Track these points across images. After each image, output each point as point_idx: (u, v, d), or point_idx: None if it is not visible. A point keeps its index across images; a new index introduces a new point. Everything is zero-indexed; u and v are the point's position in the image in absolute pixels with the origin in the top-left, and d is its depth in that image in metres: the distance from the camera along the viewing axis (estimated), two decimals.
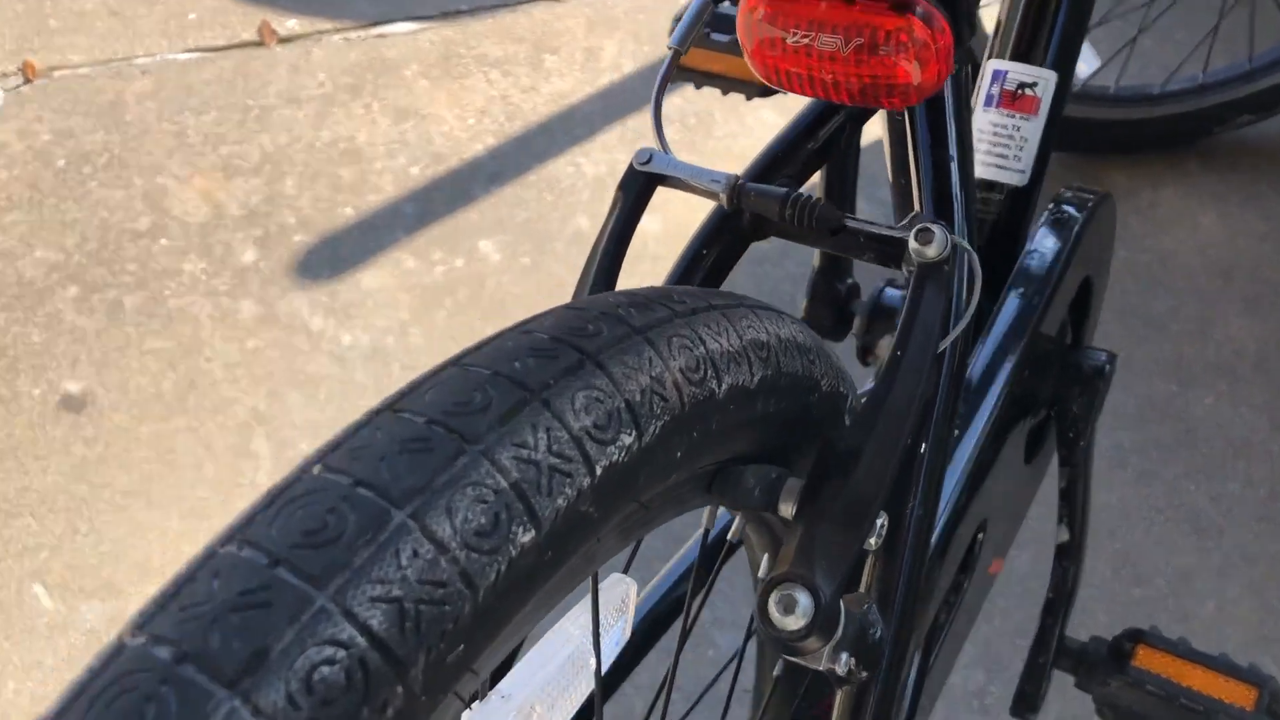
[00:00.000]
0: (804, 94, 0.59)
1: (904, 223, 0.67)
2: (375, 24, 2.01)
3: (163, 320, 1.56)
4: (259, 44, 1.97)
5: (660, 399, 0.44)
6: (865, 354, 0.96)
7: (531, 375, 0.41)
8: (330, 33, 1.99)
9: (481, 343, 0.44)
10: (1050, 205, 0.87)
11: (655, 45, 1.95)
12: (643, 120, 1.82)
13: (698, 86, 1.15)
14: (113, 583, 1.32)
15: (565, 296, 1.64)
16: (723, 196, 0.63)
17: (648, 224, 1.75)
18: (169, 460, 1.42)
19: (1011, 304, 0.81)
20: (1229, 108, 1.68)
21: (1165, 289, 1.56)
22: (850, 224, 0.61)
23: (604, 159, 1.77)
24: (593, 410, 0.41)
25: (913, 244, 0.57)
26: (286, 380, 1.50)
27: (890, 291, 1.02)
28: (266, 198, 1.72)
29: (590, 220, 1.68)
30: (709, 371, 0.47)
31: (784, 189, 0.62)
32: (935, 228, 0.57)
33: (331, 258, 1.64)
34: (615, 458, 0.42)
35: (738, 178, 0.63)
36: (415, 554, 0.35)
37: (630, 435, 0.42)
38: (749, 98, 1.11)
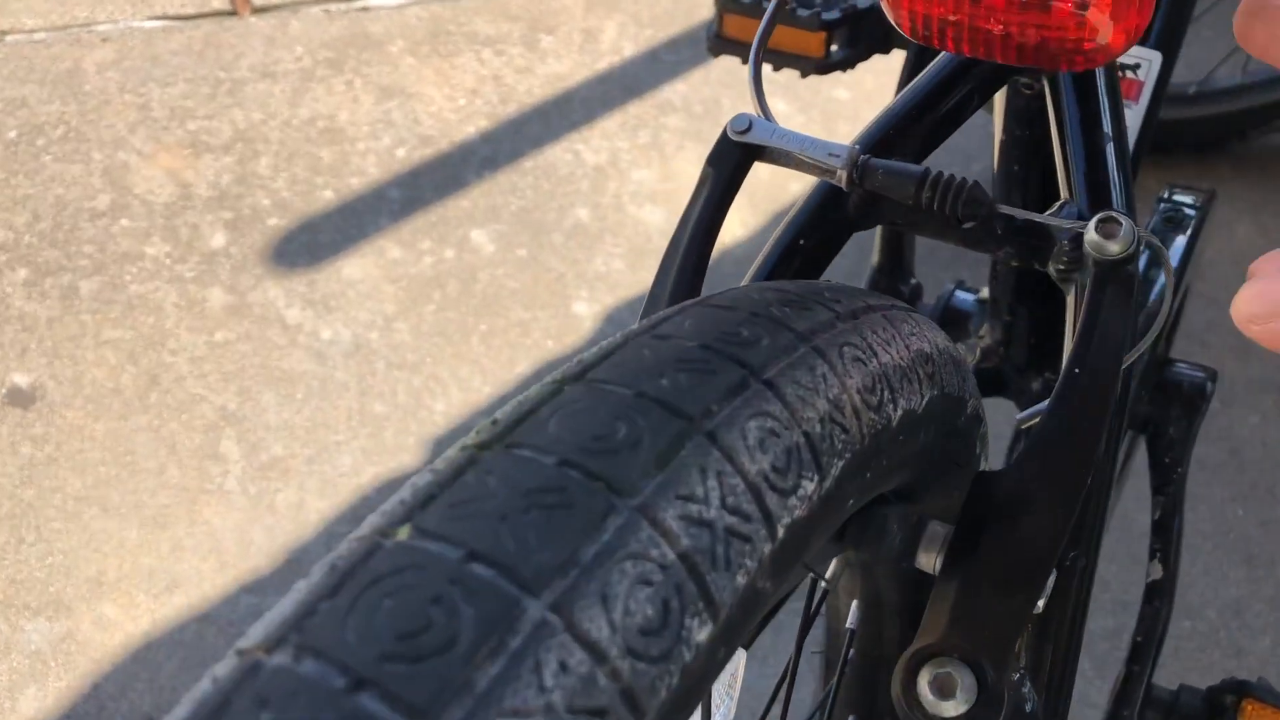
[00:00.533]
0: (955, 50, 0.48)
1: (1054, 210, 0.56)
2: None
3: (122, 308, 1.42)
4: (232, 13, 1.83)
5: (840, 429, 0.33)
6: None
7: (687, 397, 0.30)
8: (309, 4, 1.85)
9: (603, 351, 0.33)
10: (1161, 203, 0.76)
11: (657, 28, 1.84)
12: (645, 106, 1.71)
13: (744, 61, 1.04)
14: (61, 599, 1.18)
15: (565, 292, 1.53)
16: (841, 174, 0.51)
17: (645, 214, 1.63)
18: (127, 463, 1.28)
19: None
20: (1267, 111, 1.60)
21: (1204, 300, 1.47)
22: (1005, 210, 0.49)
23: (604, 146, 1.65)
24: (769, 447, 0.30)
25: (1093, 237, 0.46)
26: (259, 377, 1.36)
27: (961, 295, 0.91)
28: (238, 178, 1.58)
29: (591, 211, 1.56)
30: (885, 393, 0.36)
31: (922, 167, 0.50)
32: (1122, 218, 0.46)
33: (310, 244, 1.51)
34: (797, 512, 0.30)
35: (859, 150, 0.51)
36: (564, 667, 0.23)
37: (811, 480, 0.31)
38: (804, 74, 1.00)
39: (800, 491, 0.30)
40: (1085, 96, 0.56)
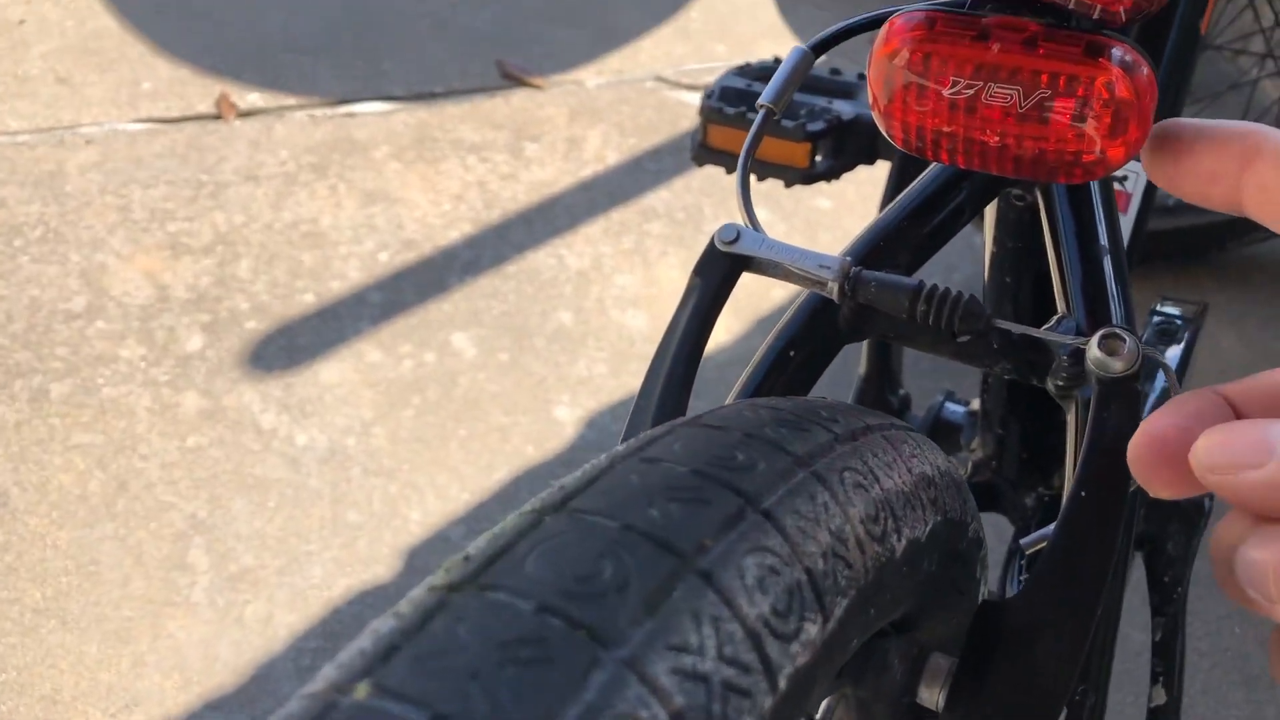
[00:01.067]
0: (950, 162, 0.47)
1: (1051, 325, 0.54)
2: (343, 102, 1.89)
3: (93, 412, 1.39)
4: (216, 117, 1.84)
5: (844, 564, 0.31)
6: None
7: (678, 530, 0.27)
8: (294, 109, 1.86)
9: (587, 476, 0.30)
10: (1154, 316, 0.75)
11: (640, 137, 1.85)
12: (629, 213, 1.71)
13: (729, 171, 1.03)
14: None
15: (547, 396, 1.50)
16: (833, 286, 0.50)
17: (629, 319, 1.62)
18: (90, 573, 1.24)
19: None
20: (1245, 223, 1.61)
21: None
22: (1002, 325, 0.48)
23: (588, 251, 1.65)
24: (769, 587, 0.27)
25: (1095, 354, 0.44)
26: (231, 484, 1.33)
27: (951, 407, 0.90)
28: (217, 280, 1.57)
29: (573, 315, 1.55)
30: (889, 522, 0.34)
31: (916, 280, 0.49)
32: (1126, 335, 0.44)
33: (288, 348, 1.49)
34: (800, 659, 0.28)
35: (851, 262, 0.50)
36: None
37: (815, 622, 0.29)
38: (788, 184, 1.00)
39: (803, 636, 0.28)
40: (1080, 208, 0.55)
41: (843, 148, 0.95)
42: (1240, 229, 1.61)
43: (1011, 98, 0.44)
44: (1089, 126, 0.43)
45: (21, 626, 1.19)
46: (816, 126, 0.93)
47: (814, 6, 2.19)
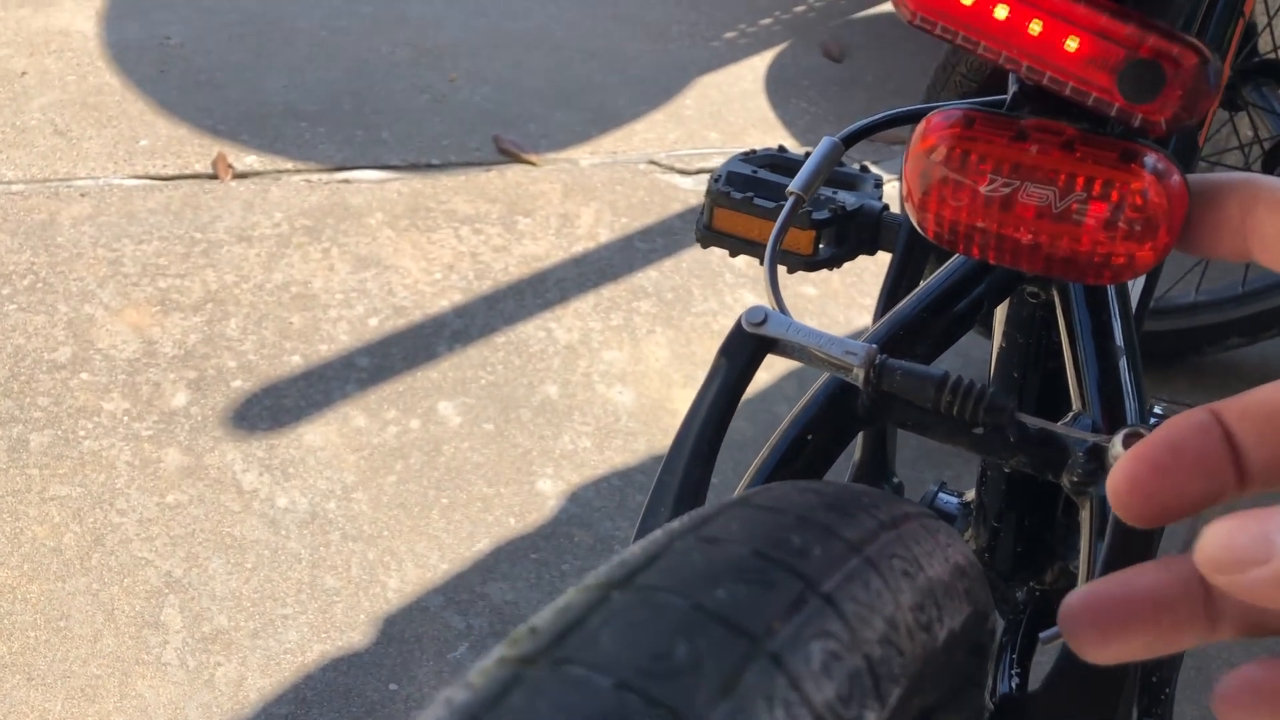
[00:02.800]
0: (982, 257, 0.48)
1: (1068, 421, 0.55)
2: (340, 168, 1.90)
3: (72, 464, 1.38)
4: (212, 177, 1.85)
5: (896, 652, 0.31)
6: None
7: (747, 612, 0.28)
8: (291, 173, 1.88)
9: (649, 554, 0.31)
10: (1152, 419, 0.77)
11: (632, 217, 1.87)
12: (618, 290, 1.73)
13: (732, 254, 1.05)
14: None
15: (530, 468, 1.50)
16: (858, 372, 0.51)
17: (615, 394, 1.62)
18: (60, 628, 1.21)
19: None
20: (1221, 329, 1.64)
21: None
22: (1024, 419, 0.49)
23: (577, 326, 1.66)
24: (834, 672, 0.28)
25: (1118, 451, 0.45)
26: (209, 543, 1.31)
27: (945, 497, 0.90)
28: (205, 338, 1.56)
29: (560, 389, 1.55)
30: (933, 611, 0.34)
31: (942, 370, 0.50)
32: (1148, 433, 0.45)
33: (273, 408, 1.48)
34: None
35: (877, 350, 0.51)
36: None
37: (874, 710, 0.29)
38: (791, 270, 1.01)
39: None
40: (1097, 308, 0.56)
41: (846, 237, 0.97)
42: (1217, 335, 1.65)
43: (1047, 198, 0.45)
44: (1121, 230, 0.45)
45: None
46: (822, 215, 0.94)
47: (805, 101, 2.24)
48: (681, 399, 1.56)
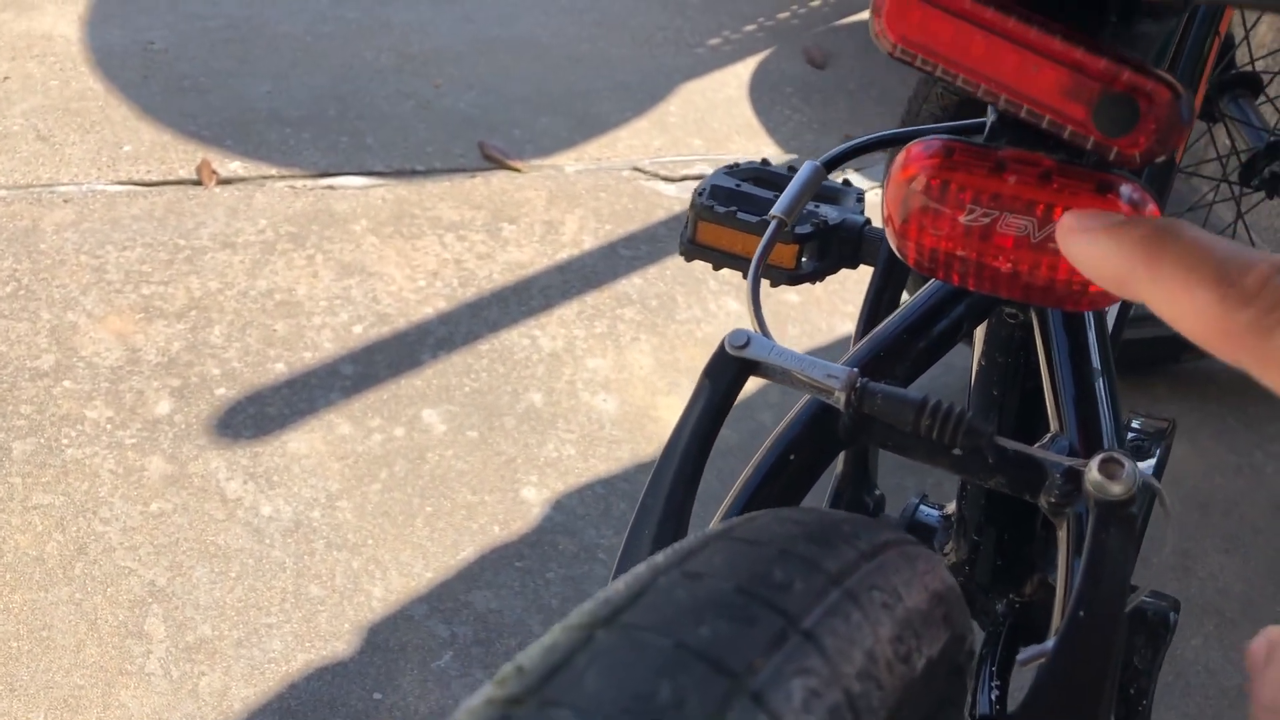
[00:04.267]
0: (961, 284, 0.49)
1: (1045, 442, 0.56)
2: (325, 175, 1.90)
3: (55, 472, 1.37)
4: (197, 183, 1.84)
5: (876, 686, 0.32)
6: None
7: (729, 650, 0.28)
8: (275, 179, 1.88)
9: (632, 590, 0.31)
10: (1128, 433, 0.78)
11: (616, 224, 1.88)
12: (602, 297, 1.74)
13: (716, 268, 1.06)
14: None
15: (514, 476, 1.50)
16: (839, 395, 0.52)
17: (599, 402, 1.62)
18: (42, 638, 1.21)
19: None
20: None
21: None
22: (1003, 443, 0.50)
23: (561, 334, 1.66)
24: (814, 708, 0.28)
25: (1095, 477, 0.46)
26: (193, 552, 1.31)
27: (926, 510, 0.91)
28: (189, 345, 1.56)
29: (544, 396, 1.56)
30: (912, 641, 0.35)
31: (922, 395, 0.51)
32: (1125, 460, 0.46)
33: (257, 416, 1.48)
34: None
35: (858, 374, 0.52)
36: None
37: None
38: (774, 284, 1.02)
39: None
40: (1075, 331, 0.57)
41: (828, 251, 0.98)
42: (1196, 344, 1.66)
43: (1025, 228, 0.46)
44: None
45: None
46: (804, 230, 0.95)
47: (788, 108, 2.25)
48: (665, 406, 1.57)
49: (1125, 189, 0.45)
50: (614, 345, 1.66)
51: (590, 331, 1.67)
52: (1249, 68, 1.45)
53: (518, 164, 1.98)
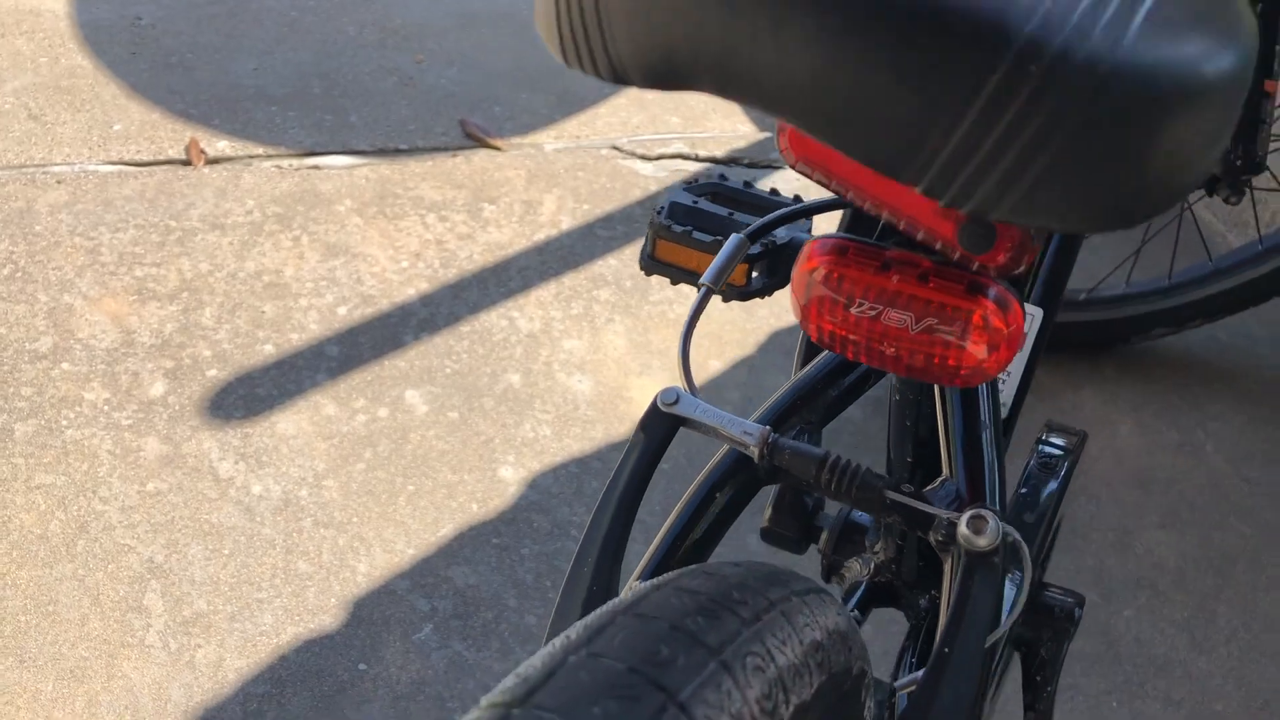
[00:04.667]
0: (856, 359, 0.56)
1: (935, 486, 0.64)
2: (310, 154, 1.96)
3: (56, 453, 1.45)
4: (186, 163, 1.90)
5: None
6: (831, 572, 0.93)
7: None
8: (262, 158, 1.93)
9: (547, 668, 0.39)
10: (1040, 445, 0.86)
11: (594, 204, 1.94)
12: (579, 279, 1.80)
13: (674, 283, 1.13)
14: None
15: (493, 456, 1.58)
16: (753, 449, 0.59)
17: (574, 383, 1.70)
18: (49, 612, 1.30)
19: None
20: (1147, 319, 1.74)
21: (1086, 496, 1.58)
22: (892, 497, 0.58)
23: (538, 315, 1.73)
24: None
25: (964, 531, 0.54)
26: (188, 529, 1.39)
27: (859, 512, 0.99)
28: (181, 327, 1.63)
29: (522, 377, 1.63)
30: (780, 696, 0.43)
31: (823, 451, 0.59)
32: (989, 516, 0.54)
33: (247, 397, 1.56)
34: None
35: (770, 430, 0.59)
36: None
37: None
38: (725, 300, 1.10)
39: None
40: (968, 391, 0.65)
41: (777, 268, 1.05)
42: (1144, 325, 1.74)
43: (906, 320, 0.54)
44: (969, 347, 0.54)
45: None
46: (754, 250, 1.02)
47: None
48: (638, 387, 1.65)
49: (992, 291, 0.52)
50: (590, 327, 1.73)
51: (567, 313, 1.75)
52: None
53: (498, 142, 2.04)
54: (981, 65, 0.36)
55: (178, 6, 2.26)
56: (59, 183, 1.82)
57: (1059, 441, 0.89)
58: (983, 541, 0.54)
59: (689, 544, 0.61)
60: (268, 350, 1.62)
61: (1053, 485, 0.83)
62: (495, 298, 1.76)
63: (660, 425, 0.62)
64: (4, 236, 1.72)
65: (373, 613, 1.34)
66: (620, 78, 0.46)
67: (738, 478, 0.65)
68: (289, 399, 1.56)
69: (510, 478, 1.51)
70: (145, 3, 2.26)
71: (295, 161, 1.93)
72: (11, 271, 1.67)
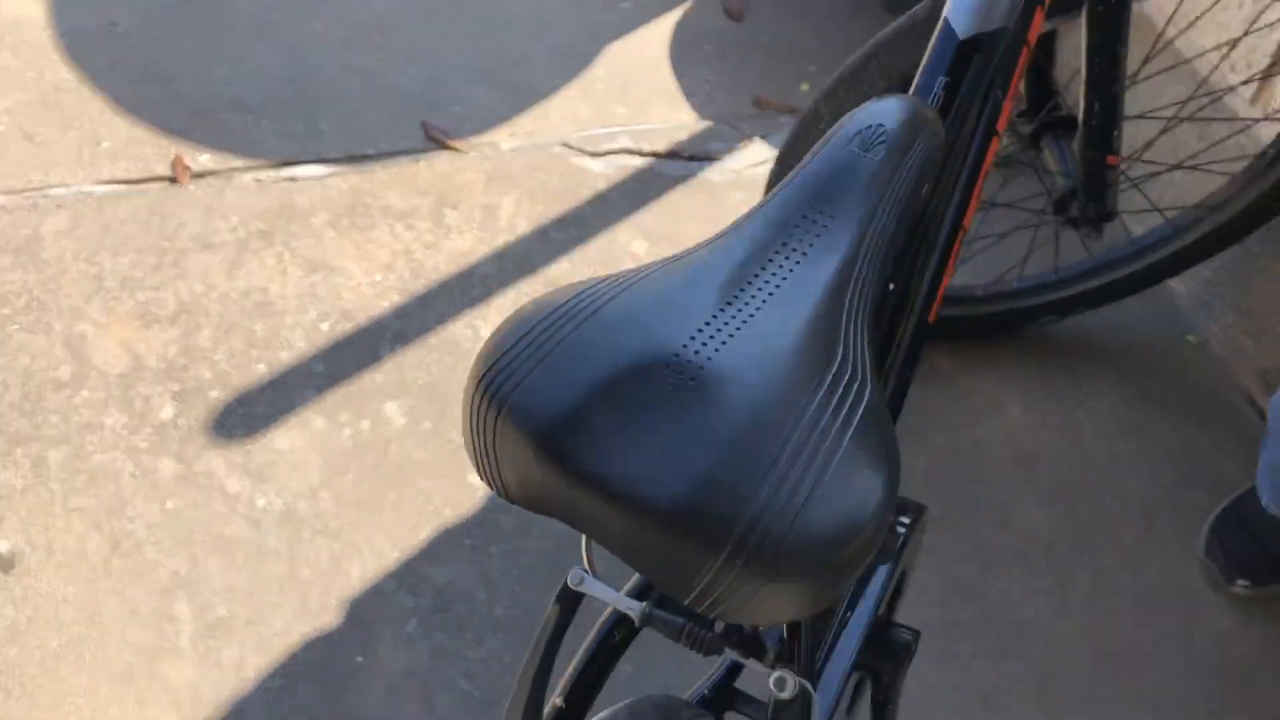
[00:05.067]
0: None
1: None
2: (285, 164, 2.14)
3: (86, 477, 1.69)
4: (173, 180, 2.08)
5: None
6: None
7: None
8: (241, 171, 2.12)
9: None
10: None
11: (547, 205, 2.14)
12: (535, 285, 2.02)
13: None
14: None
15: (464, 464, 1.84)
16: (636, 618, 0.84)
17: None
18: (96, 622, 1.56)
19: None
20: (1031, 311, 1.98)
21: (976, 478, 1.85)
22: (726, 653, 0.83)
23: (499, 323, 1.95)
24: None
25: (771, 686, 0.79)
26: (206, 543, 1.65)
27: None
28: (183, 349, 1.85)
29: None
30: None
31: (684, 620, 0.83)
32: (790, 676, 0.79)
33: (246, 416, 1.79)
34: None
35: (649, 606, 0.84)
36: None
37: None
38: None
39: None
40: None
41: None
42: (1028, 316, 1.98)
43: None
44: None
45: (45, 670, 1.51)
46: None
47: (705, 68, 2.47)
48: None
49: None
50: None
51: None
52: (1072, 112, 1.71)
53: (458, 144, 2.22)
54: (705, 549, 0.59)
55: (150, 9, 2.39)
56: (59, 207, 2.01)
57: (903, 520, 1.14)
58: (785, 694, 0.79)
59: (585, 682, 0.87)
60: (261, 369, 1.84)
61: (885, 570, 1.08)
62: (459, 307, 1.97)
63: (571, 600, 0.86)
64: (16, 266, 1.92)
65: (366, 612, 1.61)
66: (511, 500, 0.68)
67: (616, 631, 0.91)
68: (282, 416, 1.80)
69: (479, 483, 1.76)
70: (119, 5, 2.39)
71: (272, 174, 2.12)
72: (28, 302, 1.87)
